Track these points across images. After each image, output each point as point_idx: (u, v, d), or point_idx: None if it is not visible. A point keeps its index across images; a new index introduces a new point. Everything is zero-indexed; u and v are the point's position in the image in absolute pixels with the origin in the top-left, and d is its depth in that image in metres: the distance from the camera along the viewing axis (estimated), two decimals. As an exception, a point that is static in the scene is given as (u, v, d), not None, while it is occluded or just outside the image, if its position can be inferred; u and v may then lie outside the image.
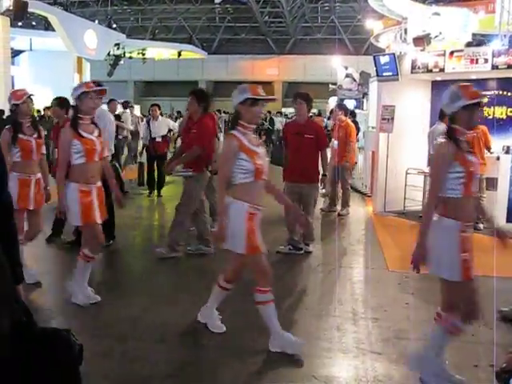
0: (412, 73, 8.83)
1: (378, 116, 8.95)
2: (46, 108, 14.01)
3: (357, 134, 10.01)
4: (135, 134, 12.30)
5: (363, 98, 16.83)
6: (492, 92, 8.47)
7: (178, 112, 25.15)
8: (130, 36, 27.16)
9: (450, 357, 3.32)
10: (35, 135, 4.94)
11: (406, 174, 8.56)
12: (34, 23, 22.21)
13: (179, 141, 8.83)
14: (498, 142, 8.12)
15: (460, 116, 3.11)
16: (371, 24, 18.35)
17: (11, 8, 13.37)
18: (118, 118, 11.03)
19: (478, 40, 9.55)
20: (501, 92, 8.52)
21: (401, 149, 8.91)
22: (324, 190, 8.52)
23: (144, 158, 10.86)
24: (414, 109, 9.09)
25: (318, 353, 3.73)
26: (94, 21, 22.85)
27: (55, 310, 4.52)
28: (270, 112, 24.15)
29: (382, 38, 17.04)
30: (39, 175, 5.00)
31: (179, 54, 25.99)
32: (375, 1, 14.80)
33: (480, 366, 3.45)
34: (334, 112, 9.68)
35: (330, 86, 22.10)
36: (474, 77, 8.09)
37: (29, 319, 1.75)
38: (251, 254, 3.58)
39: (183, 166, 6.05)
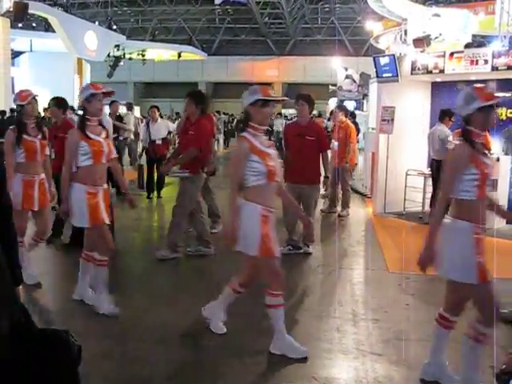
0: (412, 74, 8.82)
1: (378, 117, 8.94)
2: (45, 109, 13.91)
3: (357, 135, 10.00)
4: (135, 135, 12.29)
5: (363, 99, 16.82)
6: (492, 93, 8.46)
7: (177, 113, 25.12)
8: (130, 37, 27.24)
9: (450, 357, 3.31)
10: (39, 136, 4.92)
11: (406, 175, 8.56)
12: (34, 24, 22.20)
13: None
14: (497, 143, 8.12)
15: (475, 118, 3.09)
16: (371, 25, 18.41)
17: (11, 9, 13.40)
18: (119, 119, 11.01)
19: (478, 41, 9.56)
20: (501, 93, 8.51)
21: (401, 150, 8.91)
22: (324, 191, 8.52)
23: (144, 161, 10.84)
24: (414, 110, 9.09)
25: (318, 354, 3.73)
26: (94, 22, 22.87)
27: (54, 311, 4.51)
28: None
29: (381, 40, 17.08)
30: (43, 176, 4.99)
31: (179, 55, 26.05)
32: (375, 2, 14.85)
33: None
34: (334, 113, 9.69)
35: (330, 87, 22.12)
36: (473, 78, 8.08)
37: (28, 320, 1.75)
38: (264, 256, 3.56)
39: (180, 166, 6.06)
